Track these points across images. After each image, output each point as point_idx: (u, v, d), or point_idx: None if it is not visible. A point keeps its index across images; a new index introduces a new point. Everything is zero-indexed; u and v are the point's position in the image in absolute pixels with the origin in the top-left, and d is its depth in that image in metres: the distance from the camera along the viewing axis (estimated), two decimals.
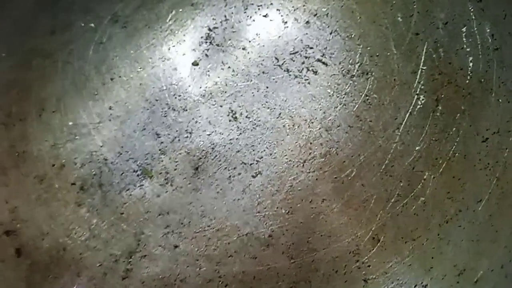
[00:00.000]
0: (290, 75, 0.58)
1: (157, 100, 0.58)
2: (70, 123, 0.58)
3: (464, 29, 0.55)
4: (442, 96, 0.55)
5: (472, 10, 0.56)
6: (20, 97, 0.59)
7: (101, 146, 0.58)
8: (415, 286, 0.51)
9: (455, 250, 0.51)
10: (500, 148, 0.55)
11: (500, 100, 0.55)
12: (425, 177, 0.53)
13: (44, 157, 0.58)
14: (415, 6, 0.57)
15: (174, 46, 0.60)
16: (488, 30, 0.55)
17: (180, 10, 0.61)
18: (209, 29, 0.60)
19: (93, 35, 0.61)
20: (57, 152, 0.58)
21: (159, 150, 0.57)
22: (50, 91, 0.59)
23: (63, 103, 0.59)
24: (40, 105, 0.59)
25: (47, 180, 0.57)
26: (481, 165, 0.54)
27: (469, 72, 0.55)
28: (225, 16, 0.60)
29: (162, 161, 0.57)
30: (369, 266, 0.52)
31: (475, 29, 0.55)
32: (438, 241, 0.51)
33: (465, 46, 0.55)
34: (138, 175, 0.57)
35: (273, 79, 0.58)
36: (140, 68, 0.59)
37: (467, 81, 0.55)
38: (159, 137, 0.57)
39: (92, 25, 0.61)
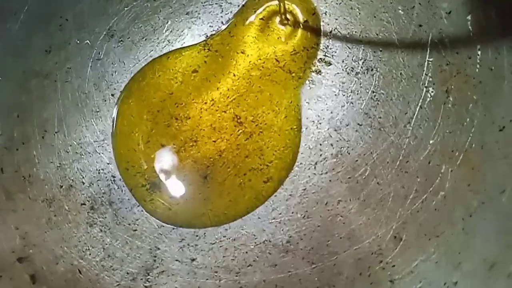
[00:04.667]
0: (293, 76, 0.57)
1: (158, 111, 0.58)
2: (75, 143, 0.58)
3: (469, 17, 0.54)
4: (452, 87, 0.54)
5: None
6: (21, 120, 0.59)
7: (108, 163, 0.57)
8: (444, 284, 0.50)
9: (483, 244, 0.50)
10: None
11: None
12: (442, 170, 0.52)
13: (51, 179, 0.57)
14: None
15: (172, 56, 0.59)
16: (495, 16, 0.54)
17: (176, 19, 0.60)
18: (207, 37, 0.59)
19: (90, 52, 0.60)
20: (63, 173, 0.57)
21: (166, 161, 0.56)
22: (51, 111, 0.59)
23: (65, 123, 0.58)
24: (42, 126, 0.58)
25: (56, 202, 0.57)
26: (500, 154, 0.52)
27: (478, 61, 0.54)
28: (222, 22, 0.60)
29: (170, 172, 0.56)
30: (393, 266, 0.51)
31: (481, 16, 0.54)
32: (463, 235, 0.50)
33: (471, 34, 0.55)
34: (147, 190, 0.56)
35: (276, 81, 0.57)
36: (140, 80, 0.59)
37: (477, 70, 0.54)
38: (164, 147, 0.57)
39: (88, 41, 0.60)
